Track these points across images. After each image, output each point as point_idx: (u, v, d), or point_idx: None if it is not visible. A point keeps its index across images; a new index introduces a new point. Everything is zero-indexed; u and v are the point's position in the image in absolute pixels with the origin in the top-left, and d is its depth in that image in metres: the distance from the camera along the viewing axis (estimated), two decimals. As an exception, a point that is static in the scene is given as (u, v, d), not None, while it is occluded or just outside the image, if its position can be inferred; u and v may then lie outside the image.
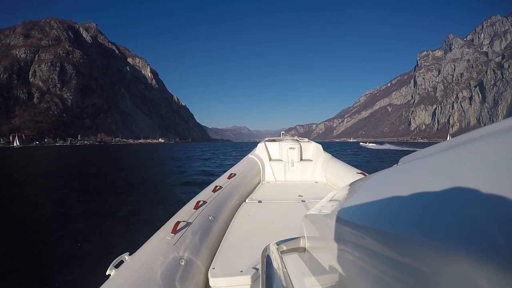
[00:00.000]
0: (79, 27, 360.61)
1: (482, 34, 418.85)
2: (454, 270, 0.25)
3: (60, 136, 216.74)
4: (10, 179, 14.55)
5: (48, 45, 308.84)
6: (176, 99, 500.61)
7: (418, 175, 0.43)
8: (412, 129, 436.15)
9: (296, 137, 4.07)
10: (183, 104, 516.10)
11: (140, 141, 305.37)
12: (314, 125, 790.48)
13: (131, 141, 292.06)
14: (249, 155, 3.63)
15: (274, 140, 3.89)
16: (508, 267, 0.20)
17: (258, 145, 3.77)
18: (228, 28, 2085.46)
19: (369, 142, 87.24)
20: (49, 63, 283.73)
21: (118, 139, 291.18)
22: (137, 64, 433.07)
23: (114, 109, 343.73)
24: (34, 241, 5.11)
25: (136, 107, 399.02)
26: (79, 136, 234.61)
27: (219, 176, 2.80)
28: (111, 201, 8.51)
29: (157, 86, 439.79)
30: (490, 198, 0.25)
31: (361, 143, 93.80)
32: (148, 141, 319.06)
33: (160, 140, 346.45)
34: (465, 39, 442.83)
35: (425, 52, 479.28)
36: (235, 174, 2.72)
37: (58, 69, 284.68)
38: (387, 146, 69.49)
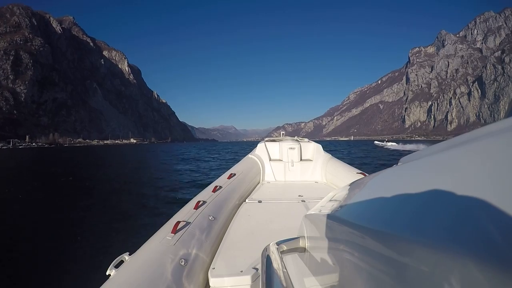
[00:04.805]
0: (49, 17, 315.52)
1: (476, 30, 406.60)
2: (452, 269, 0.25)
3: (4, 137, 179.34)
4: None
5: (5, 32, 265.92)
6: (156, 96, 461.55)
7: (418, 175, 0.42)
8: (407, 126, 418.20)
9: (296, 137, 4.04)
10: (163, 101, 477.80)
11: (106, 142, 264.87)
12: (303, 124, 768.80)
13: (95, 142, 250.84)
14: (249, 155, 3.60)
15: (274, 140, 3.87)
16: (504, 266, 0.20)
17: (258, 145, 3.76)
18: (214, 27, 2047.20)
19: (387, 141, 61.13)
20: (1, 52, 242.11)
21: (80, 139, 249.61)
22: (114, 58, 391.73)
23: (80, 105, 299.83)
24: (33, 241, 5.06)
25: (110, 103, 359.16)
26: (27, 137, 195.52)
27: (218, 176, 2.78)
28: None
29: (135, 81, 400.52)
30: (488, 199, 0.25)
31: (375, 142, 67.57)
32: (117, 141, 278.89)
33: (132, 140, 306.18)
34: (457, 35, 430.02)
35: (417, 49, 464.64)
36: (235, 174, 2.71)
37: (12, 58, 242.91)
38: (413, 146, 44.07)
